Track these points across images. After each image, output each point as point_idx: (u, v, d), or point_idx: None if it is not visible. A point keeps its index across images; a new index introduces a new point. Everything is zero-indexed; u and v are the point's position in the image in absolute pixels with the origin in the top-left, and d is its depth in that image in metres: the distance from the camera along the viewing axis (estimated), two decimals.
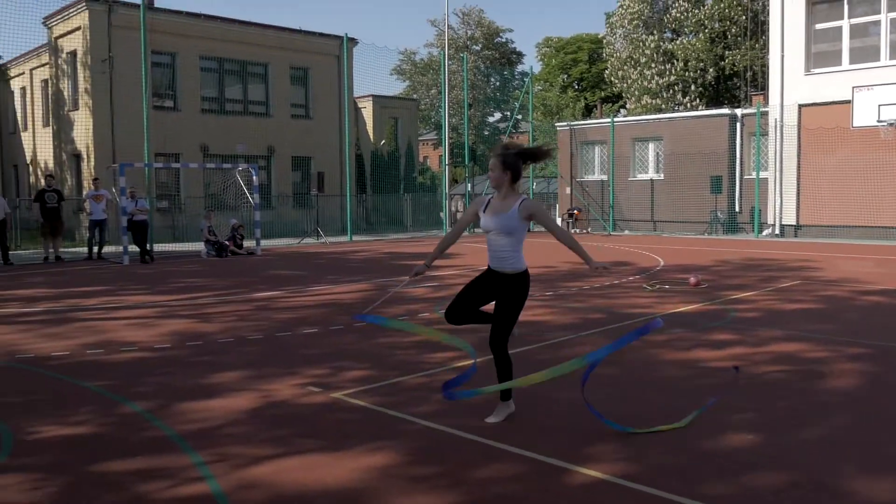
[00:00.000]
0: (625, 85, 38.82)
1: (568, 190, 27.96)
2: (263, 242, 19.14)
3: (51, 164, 25.69)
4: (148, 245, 16.80)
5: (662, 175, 25.76)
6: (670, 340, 7.22)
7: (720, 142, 24.22)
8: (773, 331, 7.67)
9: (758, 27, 34.30)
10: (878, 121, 19.29)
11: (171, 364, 6.48)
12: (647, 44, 37.12)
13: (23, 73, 29.01)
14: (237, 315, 9.07)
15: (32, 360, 6.69)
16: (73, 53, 24.02)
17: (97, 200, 16.90)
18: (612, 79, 40.13)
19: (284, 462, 4.07)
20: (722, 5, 35.98)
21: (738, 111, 24.45)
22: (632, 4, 37.67)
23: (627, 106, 40.31)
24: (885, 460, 4.06)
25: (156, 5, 24.36)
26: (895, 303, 9.66)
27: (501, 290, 4.65)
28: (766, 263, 14.62)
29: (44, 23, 24.81)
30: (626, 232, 25.90)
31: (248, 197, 20.13)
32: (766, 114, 22.75)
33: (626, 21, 38.26)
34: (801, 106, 21.84)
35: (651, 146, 26.28)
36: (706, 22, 36.24)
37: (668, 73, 36.73)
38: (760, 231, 22.72)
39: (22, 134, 29.43)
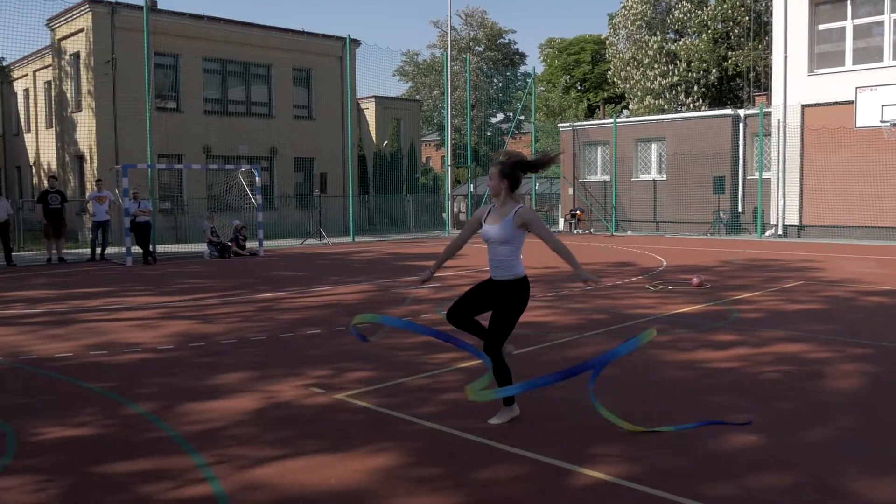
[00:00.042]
0: (628, 86, 38.80)
1: (571, 190, 27.95)
2: (266, 243, 19.14)
3: (54, 166, 25.73)
4: (150, 246, 16.81)
5: (665, 175, 25.75)
6: (673, 341, 7.21)
7: (723, 142, 24.20)
8: (776, 331, 7.66)
9: (761, 28, 34.28)
10: (882, 121, 19.25)
11: (175, 365, 6.48)
12: (650, 45, 37.12)
13: (26, 75, 29.06)
14: (240, 316, 9.08)
15: (36, 361, 6.69)
16: (77, 55, 24.06)
17: (100, 202, 16.91)
18: (615, 80, 40.13)
19: (288, 463, 4.07)
20: (725, 6, 35.97)
21: (741, 112, 24.43)
22: (635, 5, 37.67)
23: (630, 107, 40.28)
24: (888, 461, 4.06)
25: (159, 7, 24.40)
26: None
27: (500, 297, 4.64)
28: (768, 264, 14.61)
29: (47, 25, 24.87)
30: (629, 232, 25.88)
31: (250, 198, 20.15)
32: (769, 114, 22.72)
33: (629, 22, 38.27)
34: (804, 106, 21.81)
35: (654, 147, 26.26)
36: (709, 23, 36.24)
37: (670, 73, 36.72)
38: (763, 231, 22.70)
39: (25, 135, 29.49)
